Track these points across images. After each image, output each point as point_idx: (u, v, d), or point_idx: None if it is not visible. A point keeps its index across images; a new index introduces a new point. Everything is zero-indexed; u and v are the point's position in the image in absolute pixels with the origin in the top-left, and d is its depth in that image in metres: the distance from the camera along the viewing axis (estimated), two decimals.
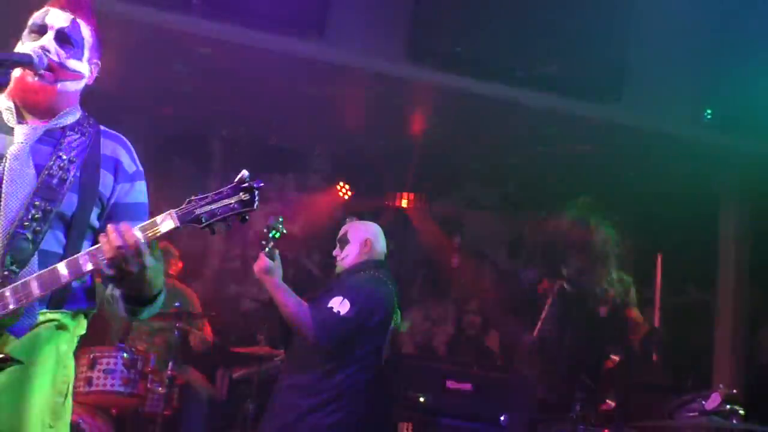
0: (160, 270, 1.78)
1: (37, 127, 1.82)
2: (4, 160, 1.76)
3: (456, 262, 6.44)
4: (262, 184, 1.70)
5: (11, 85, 1.82)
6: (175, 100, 5.38)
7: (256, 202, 1.70)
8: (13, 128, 1.80)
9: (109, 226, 1.66)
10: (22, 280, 1.69)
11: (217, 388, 5.18)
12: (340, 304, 2.99)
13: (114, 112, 5.41)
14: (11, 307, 1.67)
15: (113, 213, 1.87)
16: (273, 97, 5.15)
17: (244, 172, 1.71)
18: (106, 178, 1.87)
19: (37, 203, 1.75)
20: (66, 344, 1.82)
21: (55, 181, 1.79)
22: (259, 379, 4.38)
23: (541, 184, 6.03)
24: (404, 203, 6.42)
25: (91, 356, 3.94)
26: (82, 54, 1.87)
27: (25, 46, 1.80)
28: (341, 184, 6.33)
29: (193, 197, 1.71)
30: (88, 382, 3.90)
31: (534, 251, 6.28)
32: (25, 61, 1.74)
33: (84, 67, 1.87)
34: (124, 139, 1.96)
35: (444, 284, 6.55)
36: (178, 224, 1.68)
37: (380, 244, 3.35)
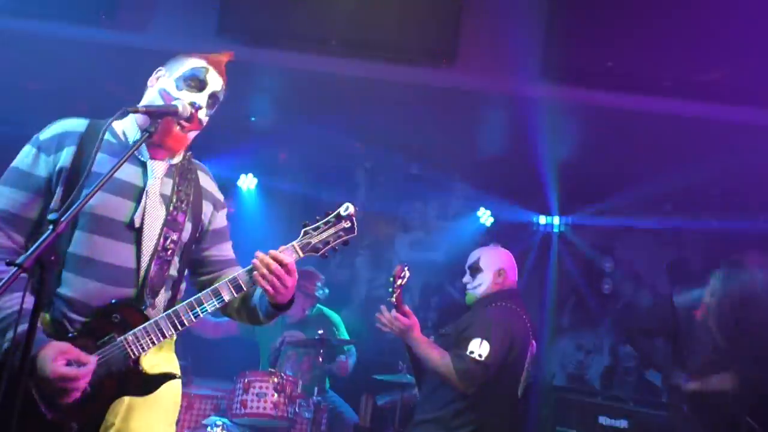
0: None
1: (162, 162, 2.01)
2: (145, 195, 1.93)
3: (608, 288, 6.03)
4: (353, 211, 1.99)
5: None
6: (322, 137, 5.65)
7: (356, 229, 2.00)
8: (144, 162, 1.98)
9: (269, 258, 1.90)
10: (174, 309, 1.89)
11: (361, 415, 5.26)
12: (480, 347, 2.96)
13: (271, 152, 5.86)
14: (168, 334, 1.88)
15: (210, 237, 2.10)
16: (410, 126, 5.23)
17: (346, 204, 1.99)
18: (207, 208, 2.08)
19: (168, 235, 1.94)
20: (171, 351, 2.05)
21: (178, 213, 1.97)
22: (401, 406, 4.39)
23: (700, 202, 5.51)
24: (550, 226, 6.18)
25: (246, 380, 4.17)
26: (211, 111, 2.06)
27: (183, 93, 1.96)
28: (482, 209, 6.23)
29: (306, 227, 1.97)
30: (243, 404, 4.13)
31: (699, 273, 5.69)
32: (171, 112, 1.93)
33: (206, 121, 2.05)
34: (208, 170, 2.16)
35: (597, 311, 6.16)
36: (302, 255, 1.96)
37: (514, 273, 3.29)
